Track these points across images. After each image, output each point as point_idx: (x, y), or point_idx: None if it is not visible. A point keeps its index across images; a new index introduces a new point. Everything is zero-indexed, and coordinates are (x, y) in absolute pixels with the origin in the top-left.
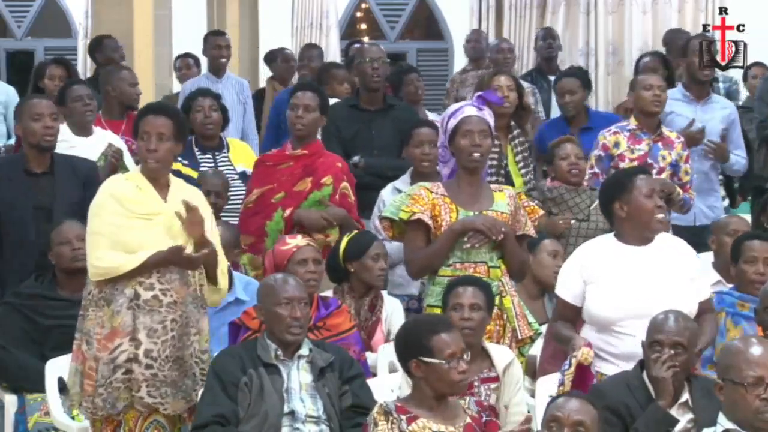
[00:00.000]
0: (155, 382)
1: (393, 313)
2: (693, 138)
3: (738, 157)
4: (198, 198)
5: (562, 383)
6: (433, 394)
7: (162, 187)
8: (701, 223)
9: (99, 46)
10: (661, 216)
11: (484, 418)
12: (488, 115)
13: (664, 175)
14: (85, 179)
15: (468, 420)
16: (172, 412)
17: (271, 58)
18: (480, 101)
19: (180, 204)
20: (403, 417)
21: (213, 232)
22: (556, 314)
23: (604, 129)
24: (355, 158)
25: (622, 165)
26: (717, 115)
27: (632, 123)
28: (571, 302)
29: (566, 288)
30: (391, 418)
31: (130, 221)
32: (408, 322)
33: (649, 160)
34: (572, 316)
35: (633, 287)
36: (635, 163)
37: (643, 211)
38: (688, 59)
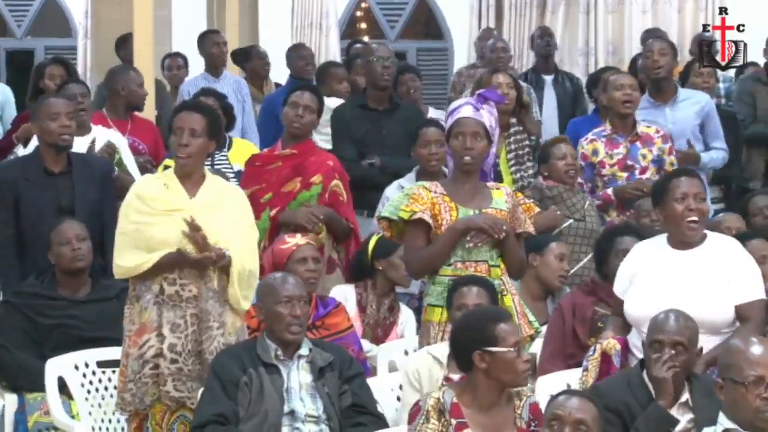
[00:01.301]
0: (181, 376)
1: (407, 321)
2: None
3: (715, 150)
4: (235, 194)
5: (585, 368)
6: (495, 386)
7: (194, 183)
8: None
9: (124, 44)
10: (692, 216)
11: (533, 427)
12: (488, 114)
13: (648, 174)
14: (101, 178)
15: None
16: None
17: (246, 56)
18: (479, 99)
19: (205, 201)
20: (454, 422)
21: (245, 232)
22: (612, 310)
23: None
24: (373, 160)
25: (604, 171)
26: (689, 111)
27: (608, 128)
28: (620, 297)
29: (618, 284)
30: (443, 420)
31: (153, 218)
32: (465, 315)
33: (629, 162)
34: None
35: (663, 290)
36: (615, 168)
37: (673, 214)
38: (644, 61)
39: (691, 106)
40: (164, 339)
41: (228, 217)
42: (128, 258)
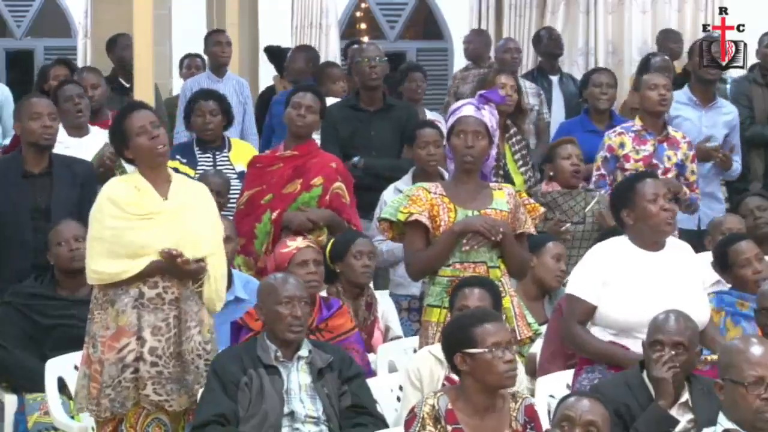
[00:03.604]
0: (160, 379)
1: (387, 310)
2: (707, 153)
3: (736, 163)
4: (202, 193)
5: None
6: (482, 389)
7: (163, 184)
8: (705, 228)
9: (113, 45)
10: (668, 216)
11: (528, 429)
12: (488, 114)
13: (670, 176)
14: (82, 180)
15: None
16: (177, 408)
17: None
18: (481, 100)
19: (179, 202)
20: (449, 428)
21: (216, 229)
22: (571, 316)
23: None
24: (355, 159)
25: (627, 165)
26: (720, 120)
27: (637, 123)
28: (591, 302)
29: (584, 287)
30: (439, 426)
31: (130, 223)
32: (454, 317)
33: (654, 161)
34: (590, 316)
35: (652, 293)
36: (640, 164)
37: (648, 216)
38: (692, 60)
39: (723, 115)
40: (144, 342)
41: (201, 215)
42: (108, 264)
